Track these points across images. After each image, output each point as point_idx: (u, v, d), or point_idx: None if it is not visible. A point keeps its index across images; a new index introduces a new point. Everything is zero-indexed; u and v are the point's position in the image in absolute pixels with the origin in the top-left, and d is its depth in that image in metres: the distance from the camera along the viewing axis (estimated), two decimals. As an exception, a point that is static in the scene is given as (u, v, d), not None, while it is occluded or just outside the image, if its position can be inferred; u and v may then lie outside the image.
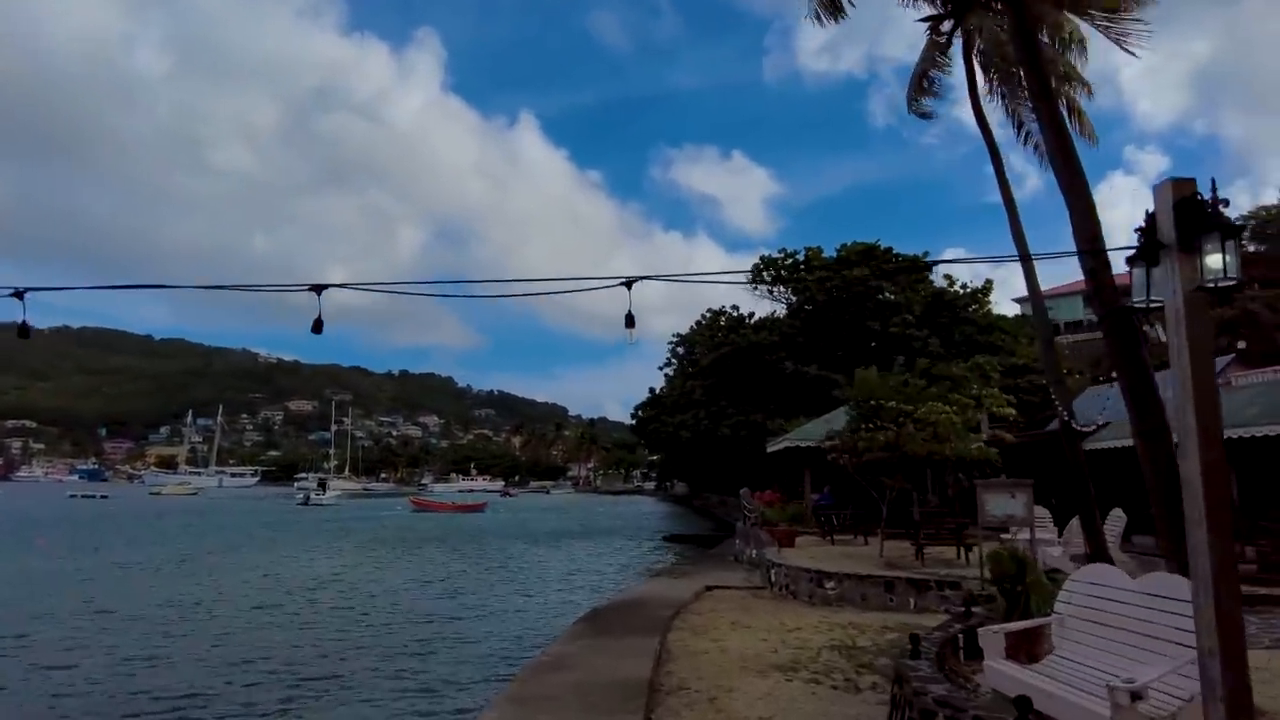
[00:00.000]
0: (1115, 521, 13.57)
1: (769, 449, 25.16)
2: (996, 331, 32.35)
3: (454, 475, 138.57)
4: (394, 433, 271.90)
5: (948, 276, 34.35)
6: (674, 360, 58.90)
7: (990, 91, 14.00)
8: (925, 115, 15.31)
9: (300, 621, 15.81)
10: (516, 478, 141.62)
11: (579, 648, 8.77)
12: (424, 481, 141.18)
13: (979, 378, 23.54)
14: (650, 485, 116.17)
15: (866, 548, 16.77)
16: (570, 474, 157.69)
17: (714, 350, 36.64)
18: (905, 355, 29.74)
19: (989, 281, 35.16)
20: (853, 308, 32.69)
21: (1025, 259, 13.57)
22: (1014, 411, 17.00)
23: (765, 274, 38.76)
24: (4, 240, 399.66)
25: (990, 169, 13.25)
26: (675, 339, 52.16)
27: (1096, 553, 11.95)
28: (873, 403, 16.07)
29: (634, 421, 61.32)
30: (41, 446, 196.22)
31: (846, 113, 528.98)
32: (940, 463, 15.46)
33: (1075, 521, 12.61)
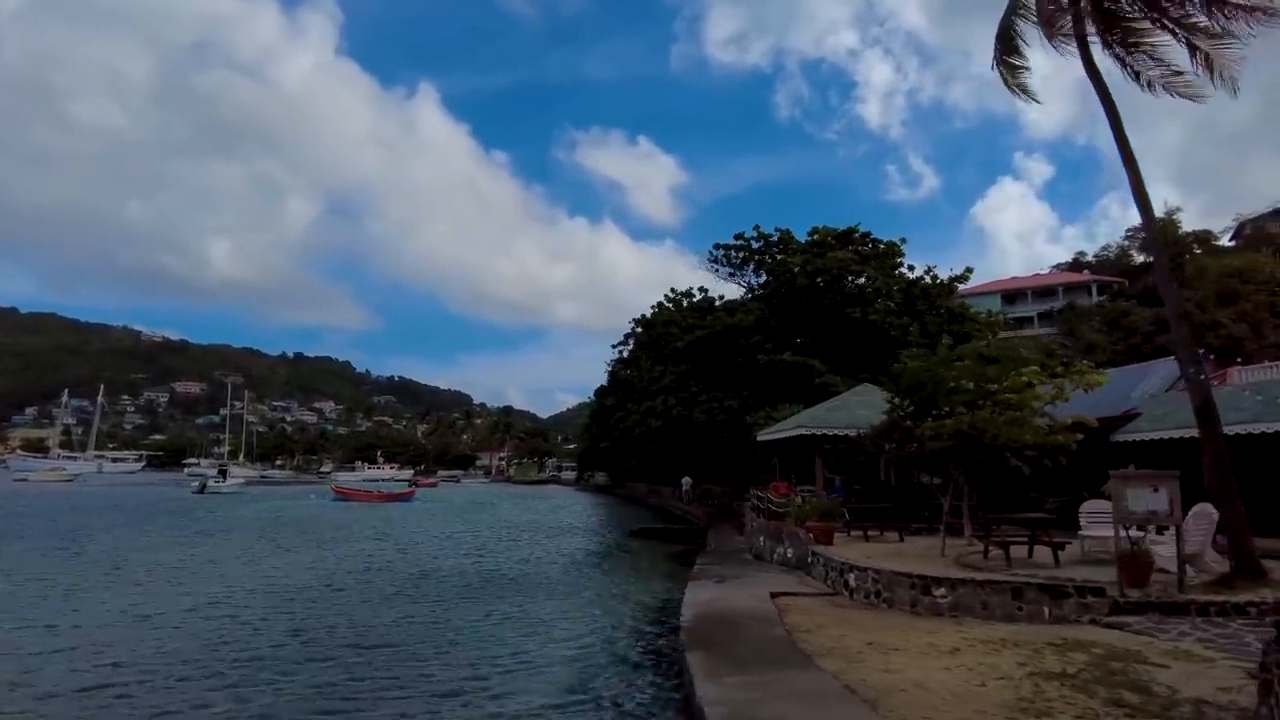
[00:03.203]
0: (1201, 519, 12.45)
1: (762, 436, 23.61)
2: (969, 321, 31.85)
3: (360, 463, 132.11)
4: (288, 418, 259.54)
5: (929, 266, 33.63)
6: (629, 341, 57.23)
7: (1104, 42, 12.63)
8: (1016, 74, 13.76)
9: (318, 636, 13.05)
10: (423, 466, 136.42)
11: (745, 695, 6.84)
12: (325, 469, 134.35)
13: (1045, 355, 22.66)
14: (566, 475, 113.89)
15: (908, 545, 15.43)
16: (480, 463, 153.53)
17: (685, 334, 34.82)
18: (885, 343, 28.85)
19: (968, 270, 34.46)
20: (828, 293, 31.53)
21: (1149, 226, 12.36)
22: (1105, 379, 15.69)
23: (732, 254, 37.44)
24: None
25: (1104, 123, 11.94)
26: (634, 322, 50.48)
27: (1242, 555, 10.83)
28: (929, 389, 14.61)
29: (596, 404, 59.30)
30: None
31: (753, 104, 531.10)
32: (1001, 451, 14.02)
33: (1190, 519, 11.44)
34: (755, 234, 35.56)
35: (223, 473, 76.95)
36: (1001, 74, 13.77)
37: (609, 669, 10.67)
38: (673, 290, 40.83)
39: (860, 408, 19.80)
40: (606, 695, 9.32)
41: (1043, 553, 12.49)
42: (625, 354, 61.19)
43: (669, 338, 36.61)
